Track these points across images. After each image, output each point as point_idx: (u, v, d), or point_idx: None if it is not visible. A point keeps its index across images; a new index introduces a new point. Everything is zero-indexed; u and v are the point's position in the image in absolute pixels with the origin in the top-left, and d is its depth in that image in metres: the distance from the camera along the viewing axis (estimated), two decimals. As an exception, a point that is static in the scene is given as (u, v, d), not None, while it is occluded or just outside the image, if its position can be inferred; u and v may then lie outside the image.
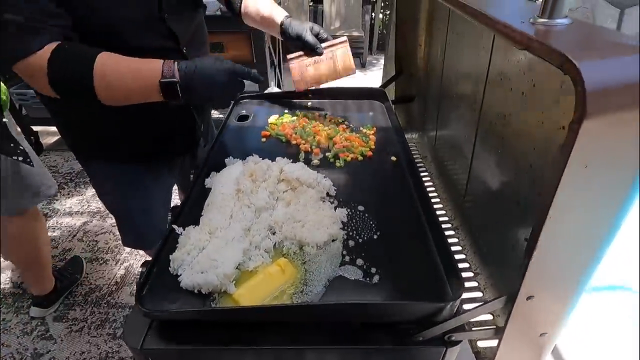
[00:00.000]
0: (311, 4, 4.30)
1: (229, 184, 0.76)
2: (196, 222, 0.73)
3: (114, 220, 2.02)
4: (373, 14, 4.50)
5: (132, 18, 0.78)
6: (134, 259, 1.84)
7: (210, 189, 0.82)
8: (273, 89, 2.35)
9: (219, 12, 2.19)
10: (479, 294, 0.76)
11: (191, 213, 0.77)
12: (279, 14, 1.05)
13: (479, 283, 0.78)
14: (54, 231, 2.01)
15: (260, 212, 0.73)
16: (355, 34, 4.18)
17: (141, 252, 1.79)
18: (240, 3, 1.09)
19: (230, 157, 0.91)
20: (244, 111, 1.18)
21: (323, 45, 1.06)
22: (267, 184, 0.77)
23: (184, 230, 0.70)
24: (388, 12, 4.68)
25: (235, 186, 0.76)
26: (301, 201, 0.75)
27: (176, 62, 0.75)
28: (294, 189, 0.79)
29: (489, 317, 0.69)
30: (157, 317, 0.57)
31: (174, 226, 0.72)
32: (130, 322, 0.60)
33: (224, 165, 0.89)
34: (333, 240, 0.70)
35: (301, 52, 1.09)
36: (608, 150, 0.35)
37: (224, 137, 1.05)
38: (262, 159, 0.89)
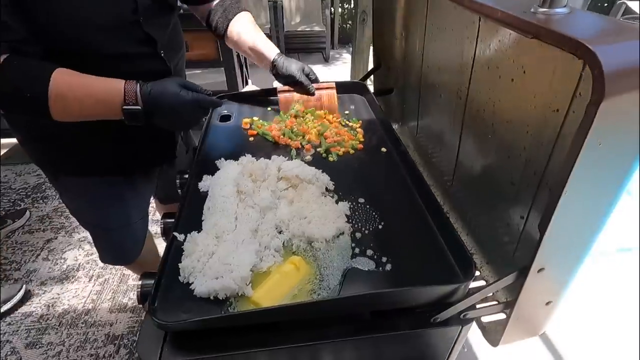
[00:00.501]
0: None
1: (229, 186, 0.74)
2: (197, 228, 0.71)
3: (81, 235, 1.93)
4: (332, 8, 4.51)
5: (104, 24, 0.72)
6: (110, 274, 1.74)
7: (205, 192, 0.80)
8: (250, 87, 2.31)
9: (181, 10, 2.10)
10: (477, 273, 0.80)
11: (190, 219, 0.74)
12: (270, 50, 1.03)
13: (475, 262, 0.82)
14: (14, 252, 1.85)
15: (265, 212, 0.72)
16: (317, 28, 4.18)
17: (117, 265, 1.70)
18: (226, 28, 1.04)
19: (222, 158, 0.89)
20: (225, 111, 1.15)
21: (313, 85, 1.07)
22: (268, 183, 0.76)
23: (186, 237, 0.68)
24: (347, 6, 4.72)
25: (236, 187, 0.74)
26: (303, 198, 0.75)
27: (139, 84, 0.72)
28: (294, 186, 0.79)
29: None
30: (175, 328, 0.55)
31: (175, 233, 0.69)
32: (143, 337, 0.57)
33: (215, 168, 0.87)
34: (340, 234, 0.70)
35: (290, 88, 1.09)
36: (619, 127, 0.38)
37: (209, 139, 1.02)
38: (255, 158, 0.87)
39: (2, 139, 2.56)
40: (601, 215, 0.47)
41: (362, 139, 1.00)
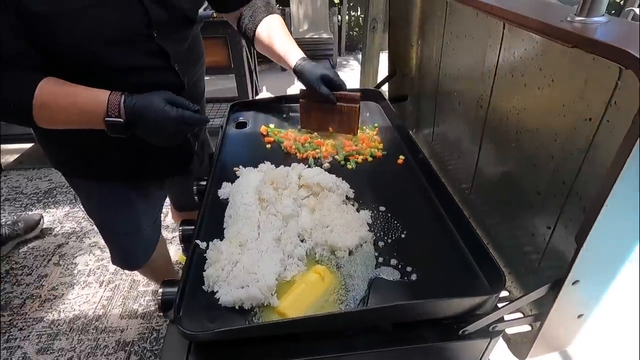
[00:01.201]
0: (279, 7, 4.27)
1: (250, 194, 0.74)
2: (218, 235, 0.70)
3: (92, 240, 1.94)
4: (339, 15, 4.55)
5: (114, 38, 0.71)
6: (120, 279, 1.74)
7: (225, 200, 0.79)
8: (264, 94, 2.31)
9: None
10: (504, 277, 0.79)
11: (211, 226, 0.74)
12: (293, 55, 0.98)
13: (504, 274, 0.81)
14: (25, 257, 1.86)
15: (287, 220, 0.71)
16: (325, 36, 4.20)
17: (127, 271, 1.70)
18: (254, 31, 1.01)
19: (240, 166, 0.88)
20: (241, 118, 1.16)
21: (338, 92, 0.99)
22: (290, 191, 0.76)
23: (209, 244, 0.67)
24: (354, 14, 4.75)
25: (257, 195, 0.74)
26: (325, 206, 0.74)
27: (123, 96, 0.71)
28: (315, 194, 0.78)
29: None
30: (202, 338, 0.55)
31: (198, 241, 0.69)
32: (168, 346, 0.56)
33: (234, 175, 0.87)
34: (364, 243, 0.70)
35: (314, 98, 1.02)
36: (665, 139, 0.37)
37: (226, 146, 1.02)
38: (274, 165, 0.87)
39: (13, 144, 2.58)
40: (638, 226, 0.45)
41: (380, 147, 1.00)
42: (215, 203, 0.80)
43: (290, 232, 0.69)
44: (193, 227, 0.74)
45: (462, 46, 0.92)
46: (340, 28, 4.63)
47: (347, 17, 4.70)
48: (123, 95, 0.71)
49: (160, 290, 0.64)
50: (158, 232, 1.18)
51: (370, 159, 0.95)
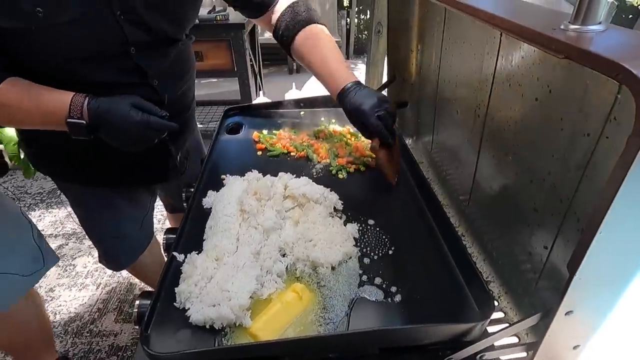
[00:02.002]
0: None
1: (232, 204, 0.71)
2: (198, 247, 0.68)
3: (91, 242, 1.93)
4: (348, 19, 4.52)
5: (88, 56, 0.70)
6: (117, 282, 1.74)
7: (209, 209, 0.77)
8: (261, 98, 2.30)
9: (196, 20, 2.12)
10: (494, 303, 0.74)
11: (191, 237, 0.71)
12: (341, 76, 0.80)
13: (492, 291, 0.76)
14: (25, 257, 1.86)
15: (268, 233, 0.68)
16: (334, 39, 4.18)
17: (124, 274, 1.69)
18: (291, 40, 0.87)
19: (228, 174, 0.86)
20: (234, 123, 1.13)
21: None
22: (273, 202, 0.73)
23: (186, 257, 0.65)
24: (363, 17, 4.72)
25: (239, 206, 0.71)
26: (310, 219, 0.71)
27: (87, 98, 0.69)
28: (300, 205, 0.75)
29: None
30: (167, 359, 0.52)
31: (175, 253, 0.66)
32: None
33: (221, 183, 0.84)
34: (348, 259, 0.66)
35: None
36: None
37: (217, 152, 0.99)
38: (262, 173, 0.84)
39: (21, 144, 2.62)
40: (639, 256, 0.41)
41: (374, 156, 0.96)
42: (199, 212, 0.78)
43: (270, 246, 0.66)
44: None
45: (460, 52, 0.88)
46: (349, 31, 4.60)
47: (356, 20, 4.67)
48: (87, 97, 0.69)
49: (137, 302, 0.61)
50: (147, 236, 1.16)
51: (362, 168, 0.92)
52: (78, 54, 0.69)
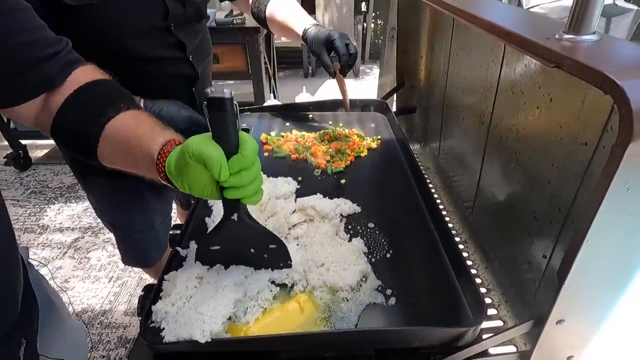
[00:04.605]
0: (303, 13, 4.31)
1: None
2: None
3: (106, 236, 2.00)
4: (365, 24, 4.53)
5: (137, 30, 0.77)
6: (128, 276, 1.79)
7: (212, 208, 0.79)
8: (272, 101, 2.33)
9: (213, 24, 2.18)
10: (493, 311, 0.74)
11: (195, 234, 0.74)
12: (300, 25, 0.96)
13: (492, 300, 0.76)
14: (43, 249, 1.94)
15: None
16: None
17: (136, 268, 1.74)
18: (264, 12, 1.02)
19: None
20: (244, 124, 1.16)
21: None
22: (276, 220, 0.72)
23: (169, 275, 0.63)
24: (380, 22, 4.72)
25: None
26: (316, 239, 0.70)
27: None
28: (310, 221, 0.75)
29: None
30: (165, 350, 0.54)
31: (179, 248, 0.69)
32: (134, 357, 0.56)
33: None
34: (367, 275, 0.65)
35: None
36: (651, 172, 0.33)
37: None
38: (266, 175, 0.86)
39: (44, 140, 2.73)
40: (631, 266, 0.41)
41: (374, 147, 0.99)
42: (205, 209, 0.80)
43: (261, 272, 0.63)
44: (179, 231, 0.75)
45: (467, 60, 0.88)
46: (365, 36, 4.61)
47: (372, 25, 4.68)
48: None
49: (141, 294, 0.64)
50: (168, 230, 1.18)
51: (354, 158, 0.97)
52: (127, 28, 0.75)
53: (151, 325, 0.56)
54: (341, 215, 0.78)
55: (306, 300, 0.59)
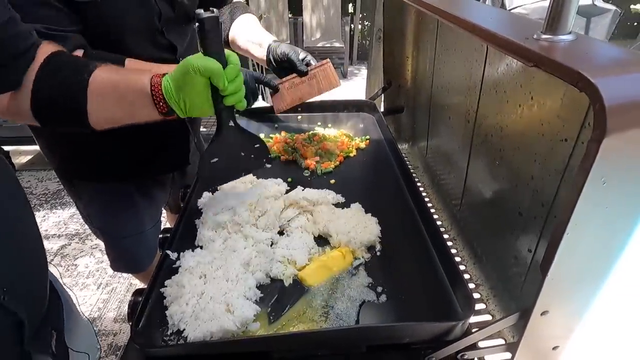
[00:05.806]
0: (291, 15, 4.33)
1: (224, 214, 0.73)
2: (190, 247, 0.70)
3: (94, 242, 1.97)
4: (352, 25, 4.57)
5: (138, 29, 0.79)
6: (117, 282, 1.76)
7: (202, 210, 0.79)
8: (261, 103, 2.32)
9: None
10: (482, 306, 0.75)
11: (186, 237, 0.73)
12: (264, 39, 1.00)
13: (481, 294, 0.77)
14: (29, 256, 1.90)
15: (259, 245, 0.69)
16: (337, 44, 4.22)
17: (125, 274, 1.72)
18: (228, 32, 1.05)
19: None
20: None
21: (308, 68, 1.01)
22: (267, 218, 0.74)
23: (171, 280, 0.63)
24: (367, 24, 4.76)
25: (230, 216, 0.72)
26: (324, 217, 0.75)
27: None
28: (307, 211, 0.78)
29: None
30: (156, 354, 0.54)
31: (169, 252, 0.68)
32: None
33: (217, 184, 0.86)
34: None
35: (289, 76, 1.03)
36: (625, 165, 0.35)
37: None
38: (256, 177, 0.86)
39: (26, 146, 2.67)
40: (612, 257, 0.43)
41: (362, 147, 0.99)
42: (194, 212, 0.80)
43: (261, 257, 0.66)
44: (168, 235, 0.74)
45: (452, 59, 0.90)
46: (353, 37, 4.64)
47: (359, 26, 4.71)
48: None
49: (132, 298, 0.63)
50: (158, 234, 1.17)
51: (343, 158, 0.98)
52: (128, 28, 0.76)
53: (167, 332, 0.57)
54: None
55: (348, 251, 0.68)
